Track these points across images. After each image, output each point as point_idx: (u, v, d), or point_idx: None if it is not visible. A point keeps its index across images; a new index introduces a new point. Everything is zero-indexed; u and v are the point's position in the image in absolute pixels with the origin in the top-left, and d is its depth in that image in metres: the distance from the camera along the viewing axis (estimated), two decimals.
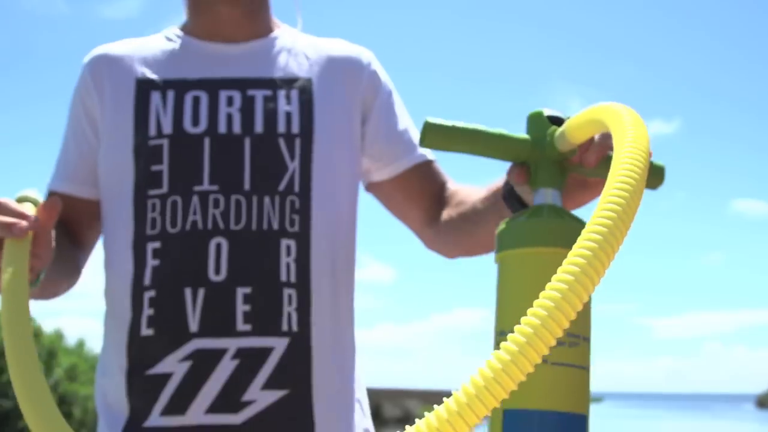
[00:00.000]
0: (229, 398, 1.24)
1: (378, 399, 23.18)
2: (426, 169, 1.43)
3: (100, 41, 1.50)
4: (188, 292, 1.26)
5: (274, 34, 1.44)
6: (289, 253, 1.30)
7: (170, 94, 1.34)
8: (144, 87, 1.36)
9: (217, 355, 1.25)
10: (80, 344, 13.73)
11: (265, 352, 1.26)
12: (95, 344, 15.07)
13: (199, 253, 1.27)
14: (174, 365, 1.26)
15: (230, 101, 1.34)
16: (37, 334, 11.85)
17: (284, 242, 1.30)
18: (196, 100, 1.34)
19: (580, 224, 0.87)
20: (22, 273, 1.02)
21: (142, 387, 1.27)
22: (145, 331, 1.28)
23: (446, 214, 1.39)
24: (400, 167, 1.42)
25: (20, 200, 1.12)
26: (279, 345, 1.27)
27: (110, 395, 1.32)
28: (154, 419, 1.26)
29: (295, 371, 1.28)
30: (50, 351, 11.75)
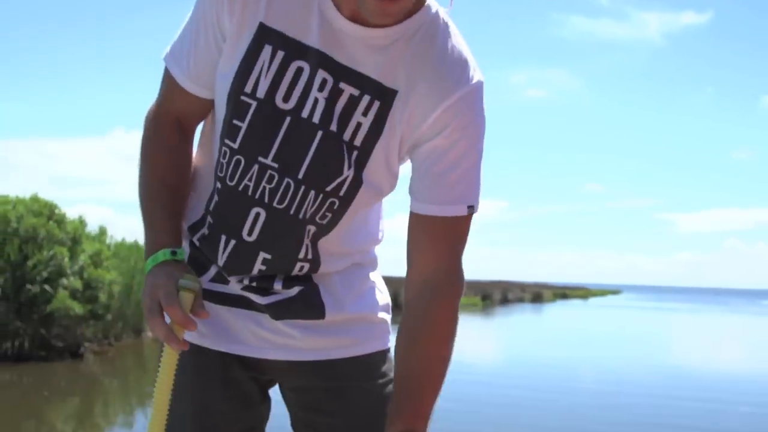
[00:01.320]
0: (258, 286, 1.49)
1: (396, 286, 24.17)
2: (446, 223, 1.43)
3: None
4: (224, 238, 1.47)
5: (404, 24, 1.37)
6: (308, 236, 1.47)
7: (279, 55, 1.38)
8: (262, 35, 1.38)
9: (253, 252, 1.47)
10: (102, 232, 13.97)
11: (287, 262, 1.49)
12: (116, 232, 15.31)
13: (240, 213, 1.45)
14: (222, 259, 1.49)
15: (323, 85, 1.38)
16: (61, 221, 12.07)
17: (310, 227, 1.45)
18: (298, 72, 1.38)
19: None
20: (169, 385, 1.36)
21: (200, 259, 1.53)
22: (204, 232, 1.52)
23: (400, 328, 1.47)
24: (422, 209, 1.42)
25: (181, 289, 1.35)
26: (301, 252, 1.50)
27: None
28: (205, 281, 1.51)
29: (306, 277, 1.52)
30: (74, 238, 11.98)
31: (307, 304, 1.52)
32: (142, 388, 9.46)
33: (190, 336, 1.48)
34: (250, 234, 1.45)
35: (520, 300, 45.78)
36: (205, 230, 1.52)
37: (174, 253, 1.43)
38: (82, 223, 12.47)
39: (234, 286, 1.50)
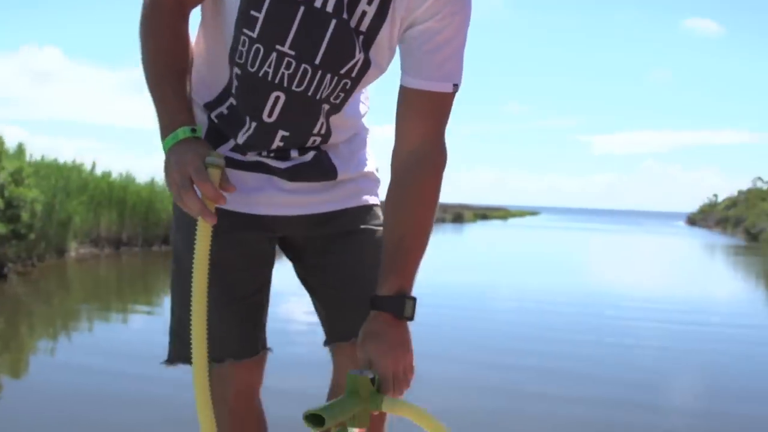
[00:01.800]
0: (278, 154, 1.70)
1: None
2: (430, 99, 1.59)
3: None
4: (247, 119, 1.64)
5: None
6: (323, 113, 1.66)
7: None
8: None
9: (273, 127, 1.66)
10: (20, 151, 13.58)
11: (303, 140, 1.71)
12: (33, 152, 14.95)
13: (261, 97, 1.60)
14: (242, 137, 1.67)
15: None
16: None
17: (325, 106, 1.64)
18: None
19: None
20: (207, 258, 1.50)
21: (219, 129, 1.70)
22: (223, 111, 1.68)
23: (388, 194, 1.65)
24: (412, 84, 1.58)
25: (208, 165, 1.46)
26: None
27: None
28: (225, 151, 1.70)
29: (316, 147, 1.74)
30: None
31: (321, 168, 1.74)
32: (67, 309, 9.36)
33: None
34: (270, 116, 1.62)
35: (442, 220, 46.32)
36: (223, 109, 1.68)
37: (193, 130, 1.53)
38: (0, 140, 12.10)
39: (252, 156, 1.70)
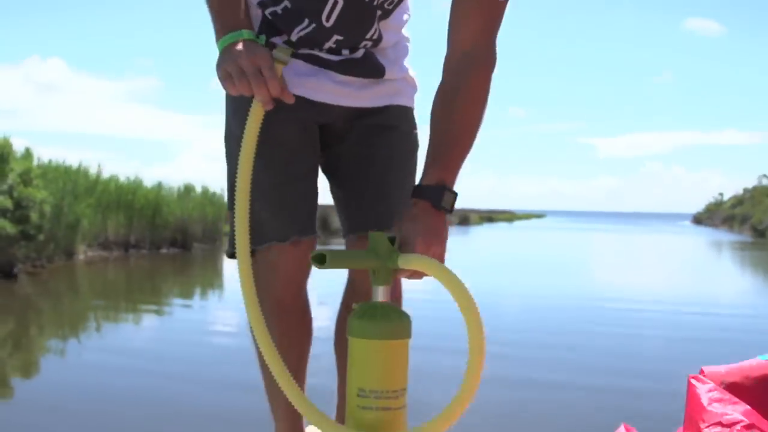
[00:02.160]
0: (330, 51, 1.79)
1: (326, 212, 24.86)
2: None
3: None
4: (306, 20, 1.73)
5: None
6: (377, 20, 1.77)
7: None
8: None
9: (326, 34, 1.76)
10: (28, 154, 13.63)
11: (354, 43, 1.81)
12: (38, 142, 14.96)
13: (320, 2, 1.70)
14: (297, 34, 1.76)
15: None
16: None
17: (378, 12, 1.76)
18: None
19: (408, 320, 1.46)
20: (254, 142, 1.63)
21: (273, 23, 1.78)
22: (277, 10, 1.76)
23: (435, 103, 1.69)
24: None
25: (276, 59, 1.62)
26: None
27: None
28: (277, 42, 1.76)
29: (379, 42, 1.83)
30: (1, 156, 11.67)
31: (371, 65, 1.84)
32: (76, 310, 9.39)
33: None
34: (327, 20, 1.72)
35: (449, 223, 46.21)
36: (278, 9, 1.75)
37: (258, 36, 1.66)
38: (7, 142, 12.15)
39: (304, 50, 1.78)
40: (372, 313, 1.44)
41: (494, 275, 14.03)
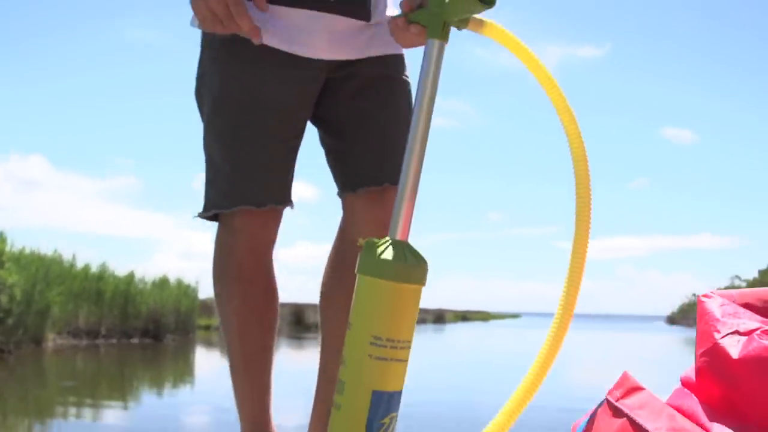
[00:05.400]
0: None
1: (300, 310, 24.99)
2: None
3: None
4: None
5: None
6: None
7: None
8: None
9: None
10: (1, 237, 13.50)
11: None
12: (15, 238, 14.86)
13: None
14: None
15: None
16: None
17: None
18: None
19: (425, 264, 1.32)
20: None
21: None
22: None
23: None
24: None
25: None
26: None
27: None
28: None
29: None
30: None
31: (361, 3, 1.76)
32: (43, 400, 9.15)
33: (267, 40, 1.69)
34: None
35: (423, 321, 46.08)
36: None
37: None
38: None
39: None
40: (400, 252, 1.30)
41: (469, 372, 13.86)
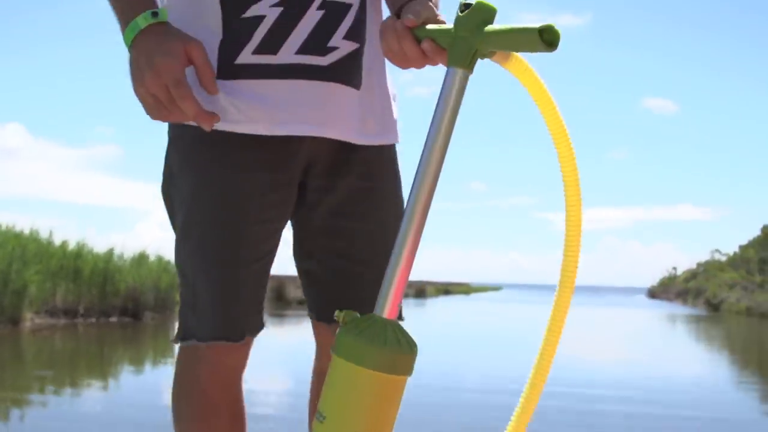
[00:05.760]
0: (317, 42, 1.43)
1: (281, 284, 24.76)
2: None
3: None
4: None
5: None
6: None
7: None
8: None
9: (305, 3, 1.42)
10: None
11: (344, 6, 1.46)
12: None
13: None
14: (266, 10, 1.40)
15: None
16: None
17: None
18: None
19: (413, 353, 1.13)
20: None
21: (236, 29, 1.41)
22: None
23: None
24: None
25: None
26: (355, 2, 1.49)
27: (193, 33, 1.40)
28: (246, 57, 1.41)
29: (365, 28, 1.51)
30: None
31: (356, 64, 1.50)
32: (19, 382, 9.03)
33: (233, 124, 1.43)
34: None
35: (405, 296, 46.13)
36: None
37: (155, 14, 1.30)
38: None
39: (286, 54, 1.43)
40: (387, 335, 1.11)
41: (452, 349, 13.84)
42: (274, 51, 1.42)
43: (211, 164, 1.45)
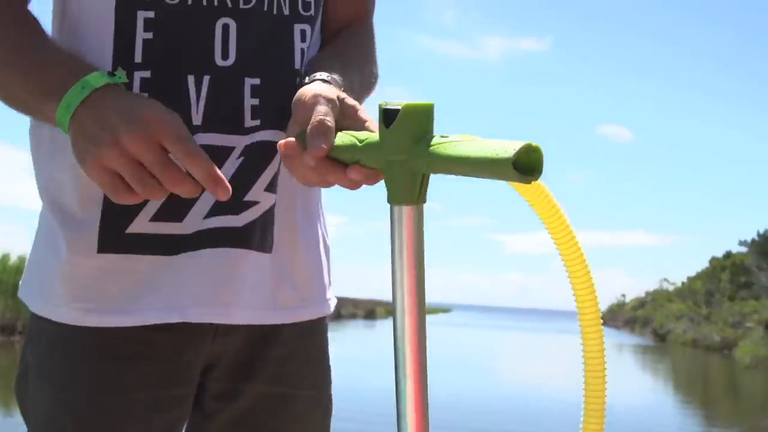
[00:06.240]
0: (232, 198, 0.98)
1: None
2: None
3: None
4: (191, 78, 1.06)
5: None
6: (299, 37, 1.15)
7: None
8: None
9: (223, 153, 1.08)
10: None
11: (270, 148, 1.09)
12: None
13: (203, 35, 1.07)
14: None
15: None
16: None
17: (296, 26, 1.15)
18: None
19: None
20: None
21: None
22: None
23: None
24: None
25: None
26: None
27: (68, 191, 1.09)
28: (141, 225, 1.07)
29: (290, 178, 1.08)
30: None
31: (270, 222, 1.15)
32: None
33: (114, 316, 1.08)
34: (225, 57, 1.08)
35: (353, 316, 45.95)
36: (152, 81, 1.05)
37: (111, 74, 0.95)
38: None
39: (192, 221, 1.08)
40: None
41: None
42: (179, 218, 1.09)
43: (73, 382, 1.09)
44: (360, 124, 0.95)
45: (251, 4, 1.09)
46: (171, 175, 0.88)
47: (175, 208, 1.07)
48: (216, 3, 1.07)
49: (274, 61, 1.11)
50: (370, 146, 0.86)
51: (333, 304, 1.29)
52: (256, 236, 1.13)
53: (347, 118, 0.96)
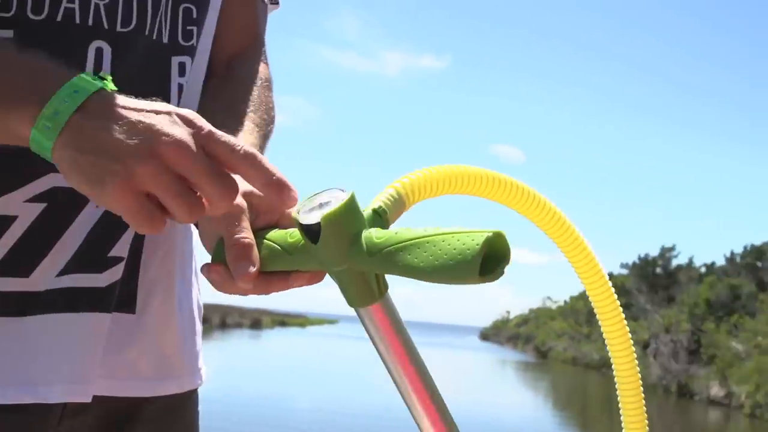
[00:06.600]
0: (94, 253, 0.90)
1: (225, 312, 24.28)
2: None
3: None
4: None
5: None
6: (182, 73, 1.01)
7: None
8: None
9: (83, 199, 0.90)
10: None
11: None
12: None
13: (74, 57, 0.90)
14: (19, 206, 0.90)
15: None
16: None
17: (174, 58, 1.00)
18: None
19: None
20: None
21: None
22: None
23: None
24: None
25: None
26: None
27: None
28: None
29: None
30: None
31: (134, 283, 0.99)
32: None
33: None
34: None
35: (239, 325, 45.50)
36: None
37: (102, 78, 0.75)
38: None
39: (44, 275, 0.91)
40: None
41: (285, 382, 13.62)
42: (26, 272, 0.91)
43: None
44: (276, 219, 0.82)
45: (130, 27, 0.95)
46: (229, 182, 0.70)
47: (20, 260, 0.90)
48: (90, 22, 0.92)
49: (147, 96, 0.80)
50: (301, 254, 0.75)
51: (204, 373, 1.13)
52: (120, 297, 0.97)
53: (261, 214, 0.82)
